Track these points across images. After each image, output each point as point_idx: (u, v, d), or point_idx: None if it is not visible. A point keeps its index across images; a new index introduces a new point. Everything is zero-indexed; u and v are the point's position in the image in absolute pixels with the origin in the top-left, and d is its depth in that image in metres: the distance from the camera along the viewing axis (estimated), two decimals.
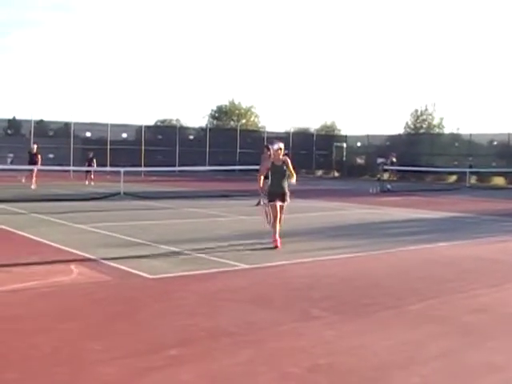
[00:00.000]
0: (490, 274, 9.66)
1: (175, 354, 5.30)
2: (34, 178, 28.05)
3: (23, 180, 29.00)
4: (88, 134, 46.34)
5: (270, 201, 11.93)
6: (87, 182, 32.96)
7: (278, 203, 11.75)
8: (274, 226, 11.71)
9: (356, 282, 8.67)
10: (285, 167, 11.83)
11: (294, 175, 11.97)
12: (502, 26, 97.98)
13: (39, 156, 29.16)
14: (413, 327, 6.40)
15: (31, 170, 28.28)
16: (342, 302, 7.43)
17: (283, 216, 11.97)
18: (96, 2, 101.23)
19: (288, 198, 11.97)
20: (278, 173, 11.85)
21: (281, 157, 11.86)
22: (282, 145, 12.05)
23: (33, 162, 28.52)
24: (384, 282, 8.77)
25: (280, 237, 11.62)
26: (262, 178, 12.51)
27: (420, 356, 5.50)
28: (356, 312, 6.99)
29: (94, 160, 35.08)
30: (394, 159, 34.81)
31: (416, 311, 7.10)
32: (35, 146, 29.33)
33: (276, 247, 11.38)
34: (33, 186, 27.39)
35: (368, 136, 55.90)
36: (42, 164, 29.48)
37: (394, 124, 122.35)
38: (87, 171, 34.16)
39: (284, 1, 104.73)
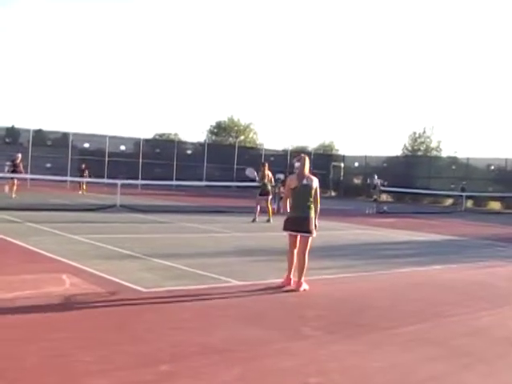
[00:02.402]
0: (483, 298, 9.65)
1: (166, 370, 5.27)
2: (15, 188, 27.97)
3: (6, 189, 28.80)
4: (86, 145, 46.49)
5: (285, 228, 9.55)
6: (80, 192, 33.69)
7: (298, 234, 9.44)
8: (288, 260, 9.58)
9: (349, 303, 8.65)
10: (313, 189, 9.44)
11: (318, 206, 9.54)
12: (501, 52, 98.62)
13: (21, 166, 29.01)
14: (405, 349, 6.38)
15: (13, 179, 28.16)
16: (334, 322, 7.41)
17: (307, 254, 9.48)
18: (96, 12, 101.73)
19: (313, 229, 9.43)
20: (305, 194, 9.42)
21: (306, 173, 9.50)
22: (306, 161, 9.62)
23: (15, 171, 28.35)
24: (377, 303, 8.75)
25: (299, 279, 9.36)
26: (288, 201, 9.70)
27: (411, 379, 5.48)
28: (348, 332, 6.97)
29: (87, 171, 35.61)
30: (379, 182, 34.96)
31: (408, 333, 7.08)
32: (19, 156, 29.05)
33: (284, 287, 9.39)
34: (13, 195, 27.27)
35: (366, 157, 56.12)
36: (22, 174, 29.44)
37: (391, 146, 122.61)
38: (80, 181, 34.71)
39: (285, 20, 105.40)
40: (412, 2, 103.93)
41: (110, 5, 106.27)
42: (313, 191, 9.44)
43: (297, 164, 9.62)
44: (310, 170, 9.73)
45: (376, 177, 34.19)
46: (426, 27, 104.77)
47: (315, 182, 9.51)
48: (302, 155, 9.88)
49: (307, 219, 9.38)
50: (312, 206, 9.43)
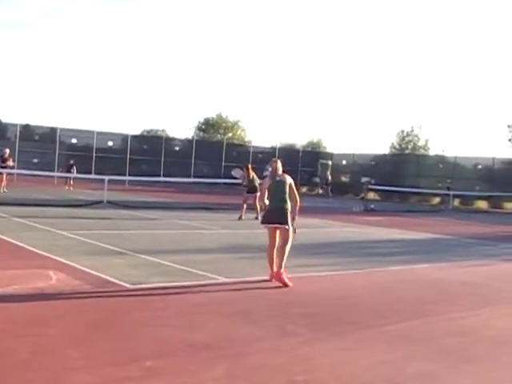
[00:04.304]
0: (470, 296, 9.67)
1: (152, 366, 5.25)
2: (4, 182, 28.00)
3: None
4: (74, 141, 46.27)
5: (262, 222, 9.88)
6: (67, 188, 33.68)
7: (275, 225, 9.60)
8: (268, 256, 9.65)
9: (336, 300, 8.65)
10: (286, 184, 9.68)
11: (298, 197, 9.85)
12: (488, 52, 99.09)
13: (10, 160, 29.05)
14: (392, 347, 6.38)
15: (1, 174, 28.12)
16: (321, 320, 7.40)
17: (288, 247, 9.58)
18: (86, 7, 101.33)
19: (290, 222, 9.57)
20: (279, 189, 9.68)
21: (279, 172, 9.81)
22: (278, 163, 9.91)
23: (4, 167, 28.32)
24: (364, 301, 8.75)
25: (284, 270, 9.41)
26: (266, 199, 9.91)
27: (398, 377, 5.47)
28: (335, 330, 6.97)
29: (75, 167, 35.60)
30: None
31: (395, 332, 7.08)
32: (7, 151, 29.16)
33: (270, 280, 9.49)
34: (1, 190, 27.35)
35: (353, 155, 56.18)
36: (11, 168, 29.40)
37: (379, 144, 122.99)
38: (67, 177, 34.70)
39: (274, 17, 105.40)
40: (401, 3, 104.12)
41: (99, 2, 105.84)
42: (287, 186, 9.72)
43: (270, 168, 10.06)
44: (283, 170, 10.03)
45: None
46: (414, 27, 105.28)
47: (288, 179, 9.81)
48: (274, 159, 10.16)
49: (283, 211, 9.57)
50: (287, 199, 9.67)
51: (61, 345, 5.70)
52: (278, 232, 9.62)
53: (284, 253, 9.49)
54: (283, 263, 9.44)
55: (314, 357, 5.88)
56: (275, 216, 9.61)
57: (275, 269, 9.48)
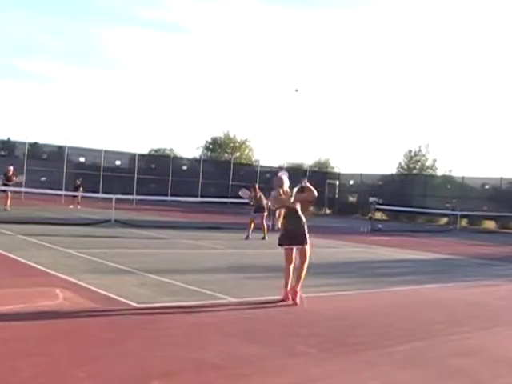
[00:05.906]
0: (478, 317, 9.62)
1: None
2: (8, 200, 27.94)
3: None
4: (82, 159, 46.51)
5: (280, 244, 9.83)
6: (72, 206, 33.79)
7: (295, 247, 9.68)
8: (285, 275, 9.74)
9: (343, 321, 8.61)
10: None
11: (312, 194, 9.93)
12: (495, 72, 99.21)
13: (13, 178, 28.99)
14: (399, 368, 6.33)
15: (6, 192, 28.12)
16: (329, 340, 7.37)
17: (305, 266, 9.78)
18: (92, 26, 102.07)
19: (307, 240, 9.71)
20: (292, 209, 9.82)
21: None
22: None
23: (8, 185, 28.31)
24: (371, 321, 8.70)
25: (298, 291, 9.57)
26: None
27: None
28: (342, 350, 6.93)
29: (81, 188, 35.79)
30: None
31: (402, 352, 7.03)
32: (11, 169, 29.16)
33: (283, 300, 9.54)
34: (8, 208, 27.28)
35: (361, 175, 56.19)
36: (19, 183, 29.39)
37: (387, 164, 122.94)
38: (74, 196, 34.82)
39: (280, 38, 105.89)
40: (407, 21, 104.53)
41: (109, 21, 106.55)
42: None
43: (304, 181, 10.01)
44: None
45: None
46: (421, 45, 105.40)
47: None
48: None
49: (299, 232, 9.68)
50: (301, 218, 9.73)
51: (66, 363, 5.68)
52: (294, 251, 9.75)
53: (302, 270, 9.68)
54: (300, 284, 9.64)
55: (323, 377, 5.84)
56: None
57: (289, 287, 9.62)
